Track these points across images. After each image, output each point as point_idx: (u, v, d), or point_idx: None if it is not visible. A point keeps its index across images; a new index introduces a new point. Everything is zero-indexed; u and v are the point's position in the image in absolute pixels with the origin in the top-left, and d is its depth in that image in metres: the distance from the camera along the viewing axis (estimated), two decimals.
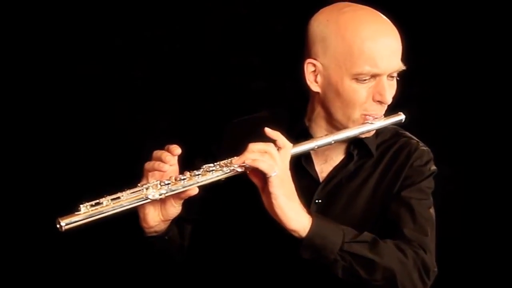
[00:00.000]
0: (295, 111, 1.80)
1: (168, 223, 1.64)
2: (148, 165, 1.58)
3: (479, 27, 2.77)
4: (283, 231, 1.57)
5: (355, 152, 1.75)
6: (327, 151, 1.75)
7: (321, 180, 1.76)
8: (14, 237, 2.71)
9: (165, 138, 2.74)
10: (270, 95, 2.77)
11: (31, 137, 2.71)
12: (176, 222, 1.67)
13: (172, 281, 2.67)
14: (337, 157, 1.77)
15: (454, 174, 2.79)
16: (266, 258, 1.75)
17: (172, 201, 1.59)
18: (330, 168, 1.76)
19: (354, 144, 1.75)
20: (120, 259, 2.70)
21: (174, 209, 1.60)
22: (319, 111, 1.73)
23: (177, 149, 1.58)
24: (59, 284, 2.76)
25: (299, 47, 1.76)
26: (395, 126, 1.81)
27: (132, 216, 1.61)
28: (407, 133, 1.82)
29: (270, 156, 1.54)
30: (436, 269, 1.69)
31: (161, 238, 1.65)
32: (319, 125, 1.74)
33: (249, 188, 1.60)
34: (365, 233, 1.62)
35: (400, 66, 1.66)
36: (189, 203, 1.62)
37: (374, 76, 1.63)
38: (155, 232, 1.64)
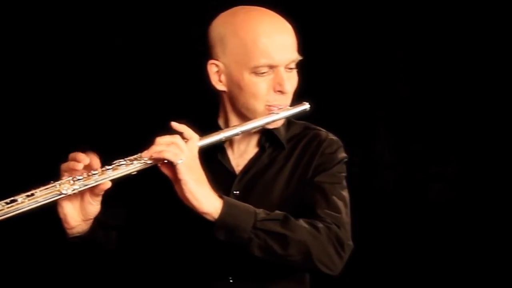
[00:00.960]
0: (208, 115, 1.90)
1: (89, 223, 1.70)
2: (63, 166, 1.65)
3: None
4: (200, 219, 1.63)
5: (266, 145, 1.85)
6: (241, 146, 1.86)
7: (237, 173, 1.84)
8: None
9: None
10: None
11: (29, 137, 2.76)
12: (100, 226, 1.74)
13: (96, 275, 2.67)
14: (251, 150, 1.86)
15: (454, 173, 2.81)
16: (188, 246, 1.82)
17: (90, 199, 1.66)
18: (246, 161, 1.85)
19: (266, 137, 1.85)
20: (45, 261, 2.71)
21: (93, 207, 1.67)
22: (229, 109, 1.84)
23: (85, 160, 1.64)
24: None
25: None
26: (305, 122, 1.91)
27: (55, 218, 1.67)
28: (317, 127, 1.91)
29: (176, 146, 1.63)
30: (350, 242, 1.74)
31: (83, 238, 1.71)
32: (231, 123, 1.84)
33: (166, 184, 1.67)
34: (277, 211, 1.69)
35: (296, 57, 1.78)
36: (110, 210, 1.74)
37: (271, 67, 1.74)
38: (78, 232, 1.70)
